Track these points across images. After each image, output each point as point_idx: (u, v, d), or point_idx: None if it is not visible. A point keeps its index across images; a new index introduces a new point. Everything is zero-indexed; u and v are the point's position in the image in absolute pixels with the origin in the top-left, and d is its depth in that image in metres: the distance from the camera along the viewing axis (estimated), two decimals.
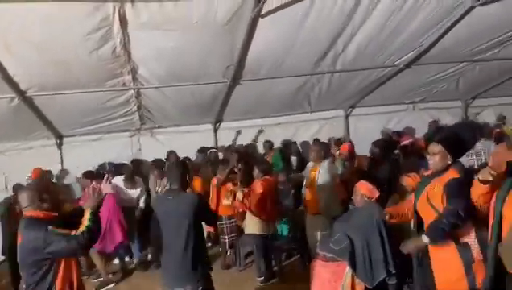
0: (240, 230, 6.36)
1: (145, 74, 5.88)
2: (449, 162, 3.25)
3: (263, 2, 4.43)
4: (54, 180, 7.60)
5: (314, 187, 5.46)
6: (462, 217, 2.99)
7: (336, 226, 4.59)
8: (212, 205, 6.17)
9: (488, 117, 8.95)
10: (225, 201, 6.27)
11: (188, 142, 8.00)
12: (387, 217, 3.77)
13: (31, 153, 7.61)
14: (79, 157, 7.62)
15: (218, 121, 8.52)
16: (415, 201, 3.46)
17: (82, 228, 3.18)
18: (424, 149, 4.84)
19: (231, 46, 5.38)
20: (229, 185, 6.21)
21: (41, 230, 3.12)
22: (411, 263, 3.85)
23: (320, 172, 5.48)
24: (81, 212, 3.37)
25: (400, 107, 9.09)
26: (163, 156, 7.67)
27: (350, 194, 4.88)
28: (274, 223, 6.13)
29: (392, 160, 6.40)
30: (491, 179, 2.75)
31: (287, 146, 8.52)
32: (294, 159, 8.22)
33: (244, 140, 8.67)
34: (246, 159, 6.76)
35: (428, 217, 3.28)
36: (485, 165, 5.17)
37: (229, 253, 6.54)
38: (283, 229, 6.42)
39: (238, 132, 8.57)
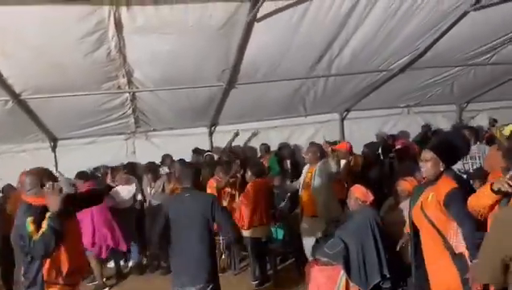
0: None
1: (140, 77, 5.87)
2: (441, 169, 3.22)
3: (258, 7, 4.43)
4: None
5: (310, 188, 5.47)
6: (474, 226, 2.94)
7: (331, 230, 4.60)
8: None
9: (482, 121, 9.01)
10: (223, 203, 6.27)
11: (183, 145, 7.98)
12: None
13: (25, 156, 7.57)
14: (73, 160, 7.57)
15: (213, 124, 8.51)
16: (410, 210, 3.46)
17: (38, 234, 2.98)
18: (418, 153, 4.84)
19: (226, 50, 5.38)
20: (227, 189, 6.24)
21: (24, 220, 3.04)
22: (405, 267, 3.87)
23: (315, 173, 5.49)
24: (98, 192, 3.36)
25: (395, 111, 9.12)
26: (158, 159, 7.66)
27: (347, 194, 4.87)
28: (268, 227, 6.13)
29: (383, 162, 6.45)
30: (507, 189, 2.57)
31: (283, 149, 8.52)
32: (287, 162, 8.22)
33: (239, 143, 8.65)
34: (242, 161, 6.79)
35: (422, 226, 3.28)
36: (480, 169, 5.19)
37: (223, 256, 6.53)
38: (278, 232, 6.42)
39: (236, 134, 8.53)
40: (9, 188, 6.53)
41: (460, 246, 3.07)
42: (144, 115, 7.44)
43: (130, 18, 4.45)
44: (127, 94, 6.43)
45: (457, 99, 9.09)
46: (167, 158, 7.67)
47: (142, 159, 7.78)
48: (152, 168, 7.06)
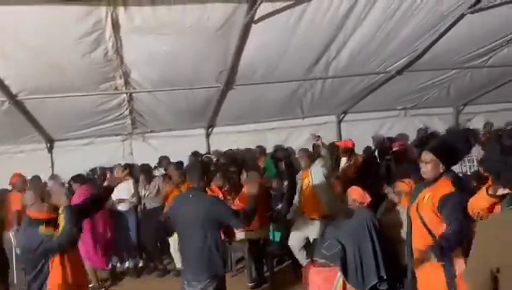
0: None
1: (137, 78, 5.86)
2: (441, 171, 3.21)
3: (256, 8, 4.44)
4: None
5: (310, 191, 5.46)
6: (462, 237, 2.94)
7: (328, 232, 4.59)
8: None
9: (479, 123, 9.00)
10: None
11: (180, 146, 7.95)
12: None
13: (22, 157, 7.55)
14: (70, 161, 7.54)
15: (211, 126, 8.50)
16: (409, 207, 3.46)
17: (59, 230, 3.29)
18: (417, 156, 4.84)
19: (224, 51, 5.38)
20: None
21: (33, 230, 3.25)
22: (402, 268, 3.86)
23: (311, 175, 5.49)
24: (98, 197, 3.74)
25: (392, 113, 9.14)
26: (155, 161, 7.63)
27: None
28: (265, 228, 6.11)
29: (379, 164, 6.46)
30: (500, 194, 2.63)
31: (278, 151, 8.49)
32: (282, 163, 8.20)
33: (235, 145, 8.64)
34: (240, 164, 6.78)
35: (415, 225, 3.29)
36: (477, 173, 5.19)
37: None
38: (275, 234, 6.40)
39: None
40: (3, 193, 6.50)
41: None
42: (141, 116, 7.42)
43: (128, 19, 4.44)
44: (124, 95, 6.42)
45: (454, 102, 9.11)
46: (163, 159, 7.64)
47: (139, 161, 7.74)
48: (145, 170, 7.02)
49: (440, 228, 3.10)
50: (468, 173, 5.85)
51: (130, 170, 7.48)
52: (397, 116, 9.22)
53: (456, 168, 3.66)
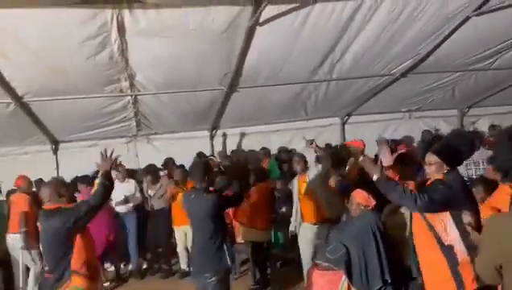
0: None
1: (142, 80, 5.87)
2: (445, 171, 3.26)
3: (261, 11, 4.44)
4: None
5: (310, 195, 5.44)
6: (420, 203, 3.07)
7: (331, 235, 4.57)
8: None
9: (484, 126, 8.96)
10: None
11: (185, 148, 7.97)
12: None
13: (27, 158, 7.61)
14: (74, 163, 7.56)
15: (215, 128, 8.51)
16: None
17: (94, 188, 3.80)
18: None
19: (228, 53, 5.38)
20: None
21: (56, 215, 3.59)
22: (407, 271, 3.86)
23: (310, 180, 5.48)
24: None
25: (396, 115, 9.11)
26: (160, 163, 7.64)
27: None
28: (269, 231, 6.11)
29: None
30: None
31: (282, 153, 8.50)
32: (285, 165, 8.20)
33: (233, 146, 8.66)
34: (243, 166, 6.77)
35: (416, 223, 3.34)
36: (481, 178, 5.17)
37: None
38: (279, 237, 6.40)
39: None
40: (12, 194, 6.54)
41: (448, 240, 3.12)
42: (146, 118, 7.44)
43: (133, 22, 4.45)
44: (129, 97, 6.43)
45: (459, 104, 9.07)
46: (169, 161, 7.66)
47: (144, 163, 7.76)
48: (151, 171, 7.04)
49: (436, 221, 3.16)
50: (474, 176, 5.81)
51: (132, 172, 7.54)
52: (401, 118, 9.17)
53: (461, 172, 3.67)
